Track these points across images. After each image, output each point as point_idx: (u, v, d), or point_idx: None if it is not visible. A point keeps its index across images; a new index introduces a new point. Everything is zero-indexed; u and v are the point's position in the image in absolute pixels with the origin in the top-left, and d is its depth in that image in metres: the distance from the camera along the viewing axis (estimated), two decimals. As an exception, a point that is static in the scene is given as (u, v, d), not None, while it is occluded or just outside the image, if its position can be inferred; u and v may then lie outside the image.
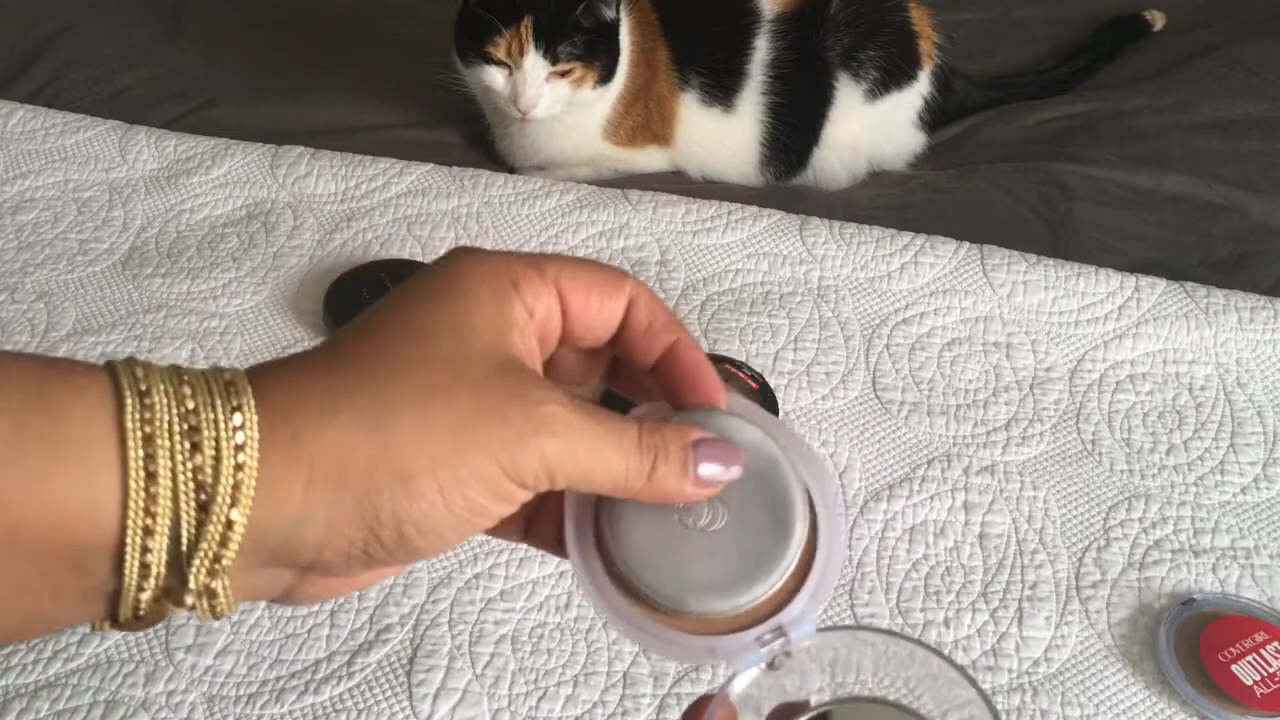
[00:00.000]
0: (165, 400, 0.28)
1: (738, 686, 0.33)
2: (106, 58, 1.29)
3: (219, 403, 0.28)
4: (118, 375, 0.28)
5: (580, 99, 1.05)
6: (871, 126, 1.13)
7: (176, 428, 0.28)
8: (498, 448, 0.29)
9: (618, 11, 1.05)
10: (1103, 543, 0.75)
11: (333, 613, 0.71)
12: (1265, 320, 0.87)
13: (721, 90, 1.11)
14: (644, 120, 1.12)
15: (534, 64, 1.01)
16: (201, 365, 0.85)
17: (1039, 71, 1.28)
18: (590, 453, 0.31)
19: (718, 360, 0.85)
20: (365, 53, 1.30)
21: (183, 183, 1.06)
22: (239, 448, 0.28)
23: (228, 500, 0.28)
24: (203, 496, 0.28)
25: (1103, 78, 1.27)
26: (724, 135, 1.12)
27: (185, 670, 0.68)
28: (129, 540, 0.27)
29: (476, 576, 0.73)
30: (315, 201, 1.04)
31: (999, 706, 0.66)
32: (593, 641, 0.70)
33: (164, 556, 0.28)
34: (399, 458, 0.29)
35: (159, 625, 0.70)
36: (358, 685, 0.68)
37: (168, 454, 0.27)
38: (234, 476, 0.28)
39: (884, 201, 1.09)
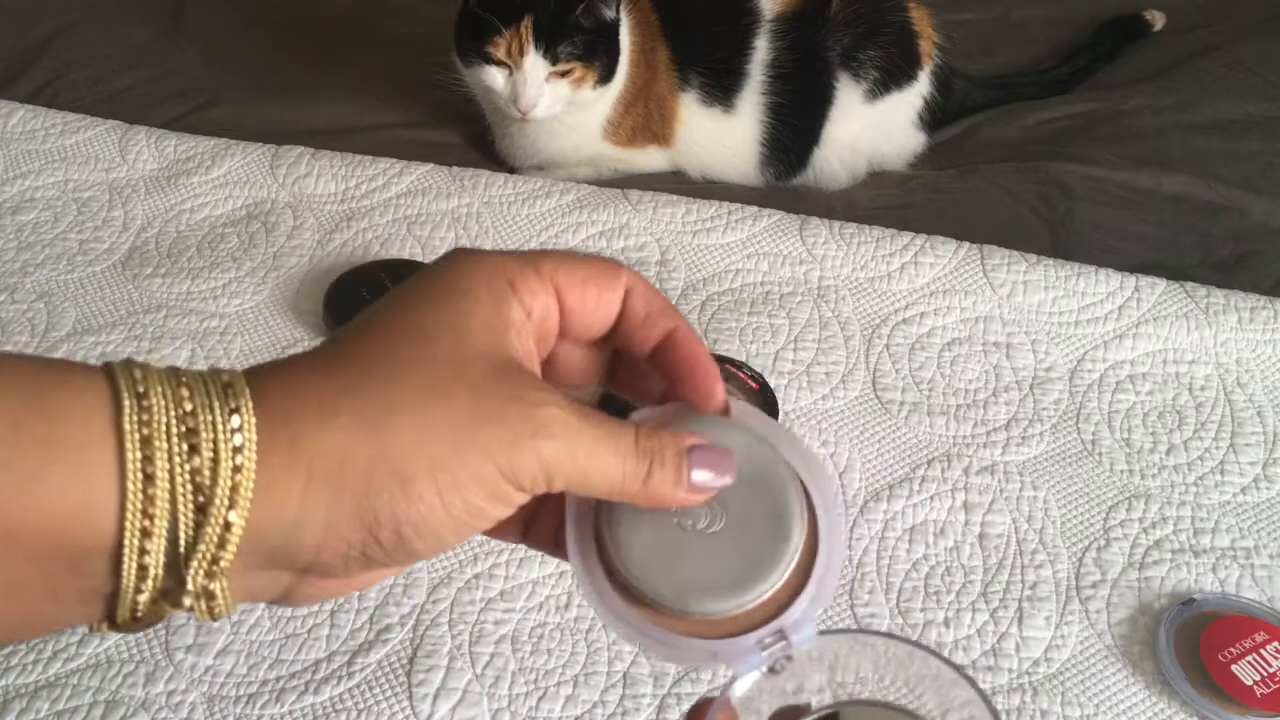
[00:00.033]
0: (163, 402, 0.28)
1: (739, 690, 0.33)
2: (106, 58, 1.29)
3: (217, 405, 0.28)
4: (115, 377, 0.28)
5: (580, 99, 1.05)
6: (871, 126, 1.13)
7: (174, 430, 0.28)
8: (496, 449, 0.29)
9: (618, 11, 1.05)
10: (1103, 543, 0.75)
11: (333, 613, 0.71)
12: (1265, 320, 0.87)
13: (721, 90, 1.11)
14: (644, 120, 1.12)
15: (534, 64, 1.01)
16: (201, 365, 0.85)
17: (1039, 71, 1.28)
18: (588, 456, 0.31)
19: (718, 360, 0.85)
20: (365, 53, 1.30)
21: (183, 183, 1.06)
22: (237, 449, 0.28)
23: (225, 502, 0.28)
24: (200, 498, 0.27)
25: (1103, 78, 1.27)
26: (724, 135, 1.12)
27: (185, 670, 0.68)
28: (126, 542, 0.27)
29: (476, 576, 0.73)
30: (315, 201, 1.04)
31: (999, 706, 0.66)
32: (593, 641, 0.70)
33: (161, 558, 0.28)
34: (398, 459, 0.29)
35: (159, 626, 0.70)
36: (358, 685, 0.68)
37: (165, 456, 0.27)
38: (232, 478, 0.28)
39: (884, 201, 1.09)
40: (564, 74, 1.03)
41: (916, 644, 0.33)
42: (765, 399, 0.82)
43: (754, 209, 1.00)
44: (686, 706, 0.66)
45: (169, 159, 1.09)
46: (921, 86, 1.14)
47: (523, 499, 0.31)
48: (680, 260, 0.96)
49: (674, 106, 1.12)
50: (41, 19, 1.35)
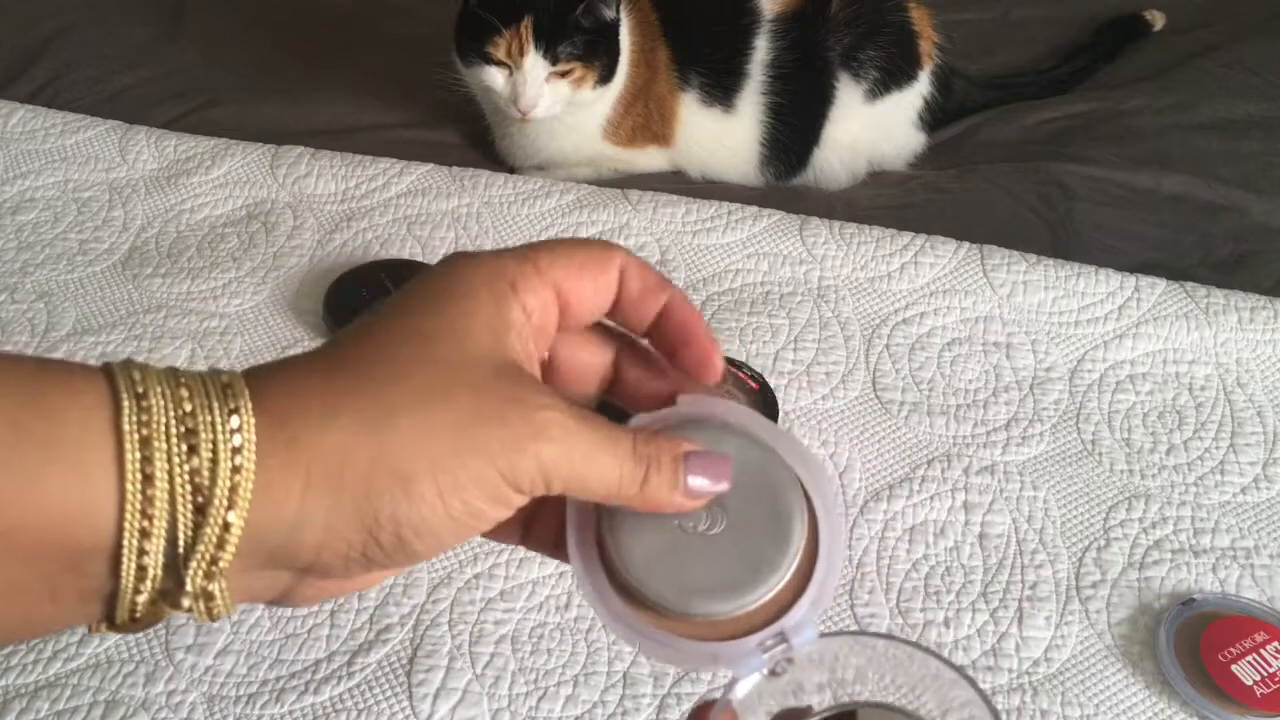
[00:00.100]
0: (162, 403, 0.28)
1: (739, 692, 0.33)
2: (106, 58, 1.29)
3: (216, 405, 0.28)
4: (115, 378, 0.28)
5: (580, 99, 1.05)
6: (872, 126, 1.13)
7: (173, 430, 0.28)
8: (496, 452, 0.29)
9: (618, 11, 1.05)
10: (1103, 543, 0.75)
11: (333, 613, 0.71)
12: (1265, 320, 0.87)
13: (721, 90, 1.11)
14: (644, 120, 1.12)
15: (534, 64, 1.01)
16: (201, 365, 0.85)
17: (1039, 71, 1.28)
18: (586, 460, 0.31)
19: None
20: (365, 53, 1.30)
21: (183, 183, 1.06)
22: (236, 450, 0.28)
23: (225, 502, 0.28)
24: (199, 499, 0.27)
25: (1103, 78, 1.27)
26: (724, 135, 1.13)
27: (185, 670, 0.68)
28: (125, 542, 0.27)
29: (476, 576, 0.73)
30: (315, 201, 1.04)
31: (999, 706, 0.66)
32: (593, 641, 0.70)
33: (160, 559, 0.28)
34: (399, 460, 0.29)
35: (159, 626, 0.70)
36: (358, 685, 0.68)
37: (164, 456, 0.27)
38: (231, 479, 0.28)
39: (884, 201, 1.09)
40: (564, 74, 1.03)
41: (916, 645, 0.33)
42: (765, 399, 0.82)
43: (754, 209, 1.00)
44: (686, 706, 0.66)
45: (169, 159, 1.09)
46: (921, 86, 1.14)
47: (521, 501, 0.31)
48: (680, 260, 0.96)
49: (674, 106, 1.12)
50: (41, 19, 1.35)
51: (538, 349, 0.34)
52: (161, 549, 0.28)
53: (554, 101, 1.03)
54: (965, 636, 0.70)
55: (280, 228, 1.01)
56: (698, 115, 1.12)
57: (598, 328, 0.36)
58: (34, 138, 1.11)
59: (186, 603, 0.28)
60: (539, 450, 0.30)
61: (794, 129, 1.11)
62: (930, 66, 1.14)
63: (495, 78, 1.03)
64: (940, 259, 0.94)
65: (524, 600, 0.72)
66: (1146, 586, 0.72)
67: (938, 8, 1.16)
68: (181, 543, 0.28)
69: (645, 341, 0.36)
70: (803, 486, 0.34)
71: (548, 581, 0.73)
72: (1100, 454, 0.80)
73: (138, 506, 0.27)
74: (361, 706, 0.67)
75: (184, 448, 0.27)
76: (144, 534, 0.27)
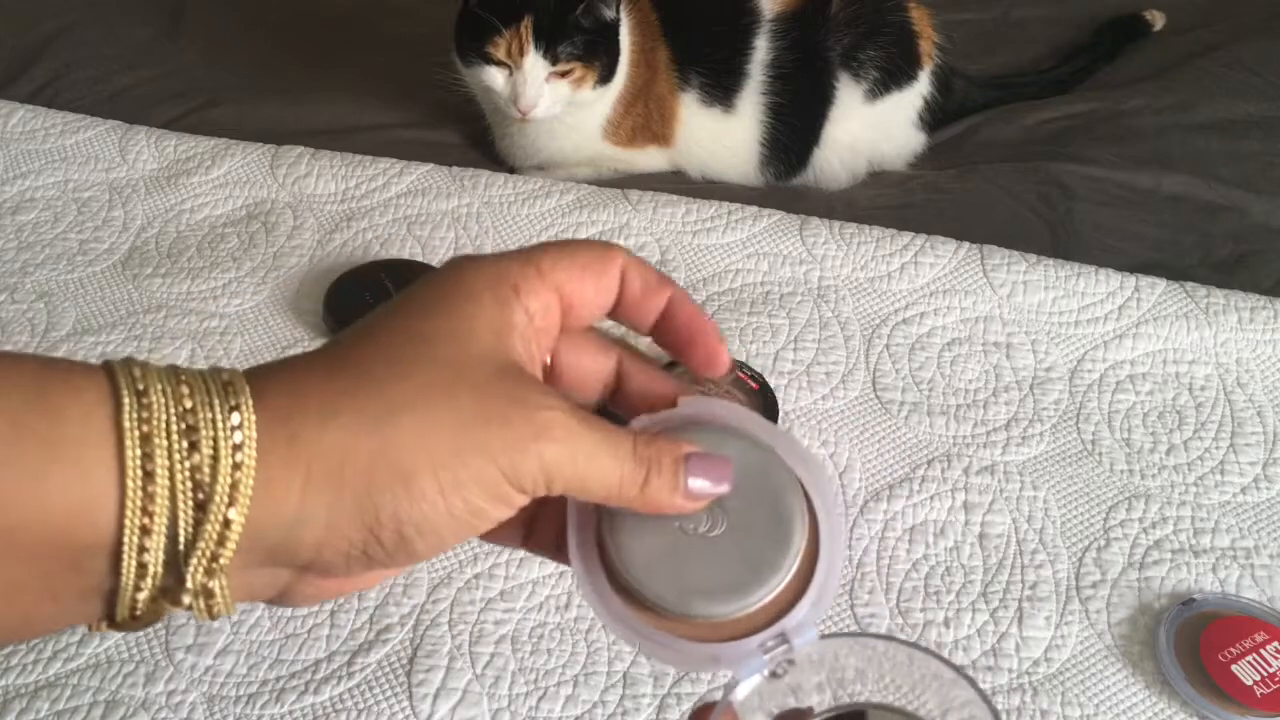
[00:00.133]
0: (163, 400, 0.28)
1: (740, 693, 0.33)
2: (106, 58, 1.29)
3: (217, 402, 0.28)
4: (115, 375, 0.28)
5: (580, 99, 1.05)
6: (872, 126, 1.13)
7: (174, 427, 0.28)
8: (498, 450, 0.30)
9: (618, 11, 1.05)
10: (1103, 543, 0.75)
11: (333, 613, 0.71)
12: (1265, 320, 0.87)
13: (721, 90, 1.11)
14: (644, 120, 1.12)
15: (534, 64, 1.01)
16: (201, 365, 0.85)
17: (1039, 71, 1.28)
18: (588, 460, 0.31)
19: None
20: (365, 53, 1.30)
21: (183, 183, 1.06)
22: (237, 447, 0.28)
23: (225, 499, 0.28)
24: (200, 496, 0.28)
25: (1103, 78, 1.27)
26: (724, 135, 1.13)
27: (185, 670, 0.68)
28: (126, 539, 0.27)
29: (476, 576, 0.73)
30: (315, 201, 1.04)
31: (999, 707, 0.66)
32: (593, 641, 0.70)
33: (161, 556, 0.28)
34: (400, 458, 0.29)
35: (159, 626, 0.70)
36: (358, 685, 0.68)
37: (165, 453, 0.27)
38: (231, 476, 0.28)
39: (884, 201, 1.09)
40: (564, 74, 1.03)
41: (917, 646, 0.33)
42: (765, 399, 0.82)
43: (754, 209, 1.00)
44: (686, 707, 0.66)
45: (169, 159, 1.09)
46: (921, 86, 1.14)
47: (523, 501, 0.31)
48: (680, 260, 0.96)
49: (674, 106, 1.12)
50: (41, 19, 1.35)
51: (540, 352, 0.34)
52: (162, 546, 0.28)
53: (554, 101, 1.03)
54: (965, 636, 0.70)
55: (280, 228, 1.01)
56: (698, 115, 1.12)
57: (600, 336, 0.36)
58: (34, 138, 1.11)
59: (187, 600, 0.28)
60: (541, 450, 0.30)
61: (794, 129, 1.11)
62: (930, 66, 1.14)
63: (495, 78, 1.03)
64: (940, 259, 0.94)
65: (524, 600, 0.72)
66: (1146, 586, 0.72)
67: (938, 8, 1.16)
68: (182, 539, 0.28)
69: (648, 341, 0.36)
70: (803, 488, 0.34)
71: (548, 581, 0.73)
72: (1100, 454, 0.80)
73: (138, 503, 0.27)
74: (361, 706, 0.67)
75: (185, 444, 0.28)
76: (144, 531, 0.27)
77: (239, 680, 0.68)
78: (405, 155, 1.08)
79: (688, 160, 1.15)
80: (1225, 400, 0.83)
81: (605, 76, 1.05)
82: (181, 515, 0.27)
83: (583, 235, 0.99)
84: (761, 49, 1.09)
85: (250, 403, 0.28)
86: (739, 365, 0.84)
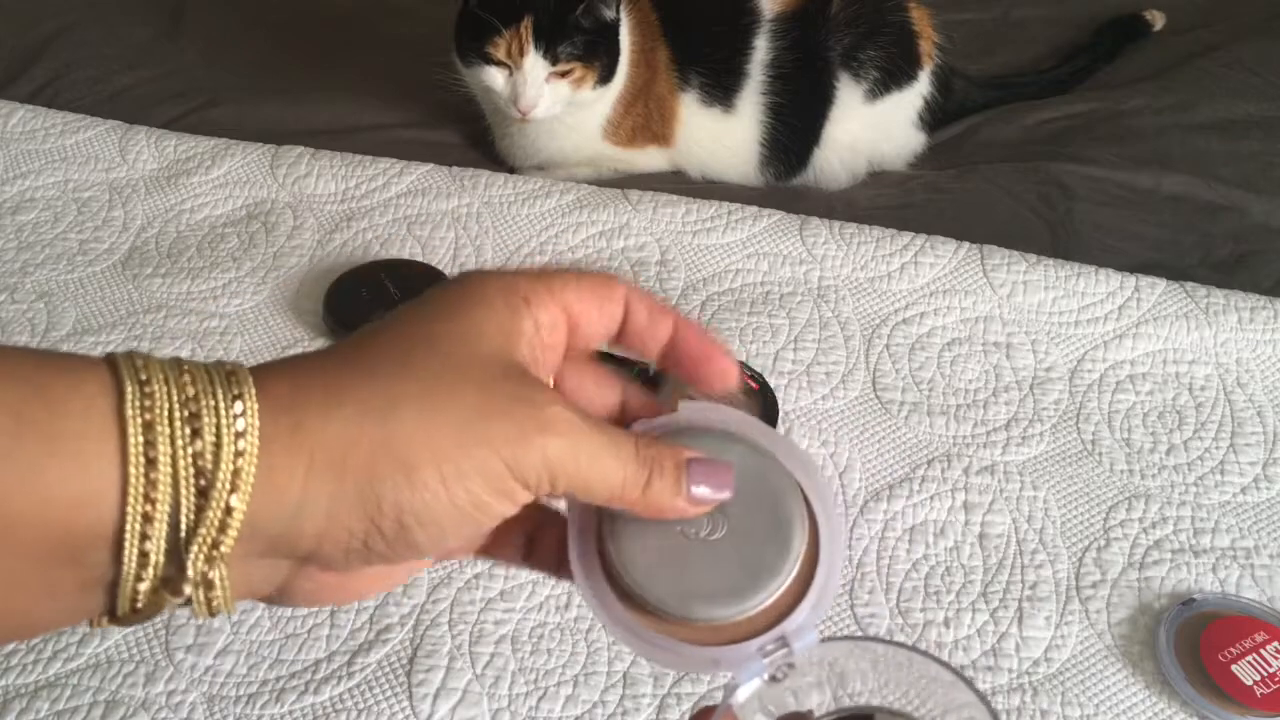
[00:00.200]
0: (165, 388, 0.28)
1: (740, 696, 0.33)
2: (106, 58, 1.29)
3: (220, 391, 0.28)
4: (118, 366, 0.28)
5: (580, 99, 1.05)
6: (872, 126, 1.13)
7: (177, 414, 0.28)
8: (502, 444, 0.30)
9: (618, 12, 1.05)
10: (1103, 543, 0.75)
11: (333, 613, 0.71)
12: (1265, 320, 0.87)
13: (721, 90, 1.11)
14: (644, 120, 1.12)
15: (534, 64, 1.01)
16: (201, 365, 0.85)
17: (1039, 71, 1.28)
18: (591, 459, 0.31)
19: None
20: (365, 53, 1.30)
21: (183, 183, 1.06)
22: (239, 434, 0.28)
23: (227, 486, 0.28)
24: (202, 482, 0.28)
25: (1103, 78, 1.26)
26: (724, 135, 1.12)
27: (185, 670, 0.68)
28: (128, 527, 0.27)
29: (476, 576, 0.73)
30: (315, 201, 1.04)
31: (999, 707, 0.66)
32: (593, 641, 0.70)
33: (163, 544, 0.28)
34: (403, 449, 0.29)
35: (159, 626, 0.70)
36: (358, 685, 0.68)
37: (168, 440, 0.27)
38: (234, 463, 0.28)
39: (884, 201, 1.09)
40: (564, 74, 1.03)
41: (916, 649, 0.33)
42: (765, 399, 0.82)
43: (754, 209, 1.00)
44: (686, 707, 0.66)
45: (169, 159, 1.09)
46: (921, 86, 1.14)
47: (526, 497, 0.31)
48: (680, 260, 0.96)
49: (674, 106, 1.12)
50: (41, 19, 1.35)
51: (547, 368, 0.34)
52: (164, 534, 0.28)
53: (554, 101, 1.03)
54: (965, 636, 0.70)
55: (280, 228, 1.01)
56: (698, 115, 1.12)
57: (605, 368, 0.37)
58: (34, 138, 1.11)
59: (187, 589, 0.28)
60: (545, 444, 0.30)
61: (794, 129, 1.11)
62: (930, 66, 1.14)
63: (495, 78, 1.03)
64: (940, 259, 0.94)
65: (524, 600, 0.72)
66: (1146, 586, 0.72)
67: (938, 8, 1.16)
68: (184, 527, 0.28)
69: (654, 367, 0.37)
70: (803, 492, 0.34)
71: (548, 581, 0.73)
72: (1100, 454, 0.80)
73: (140, 490, 0.27)
74: (361, 706, 0.67)
75: (187, 431, 0.28)
76: (146, 518, 0.27)
77: (239, 680, 0.68)
78: (405, 155, 1.08)
79: (688, 160, 1.15)
80: (1225, 400, 0.83)
81: (605, 77, 1.05)
82: (184, 502, 0.28)
83: (582, 235, 0.99)
84: (761, 49, 1.09)
85: (253, 392, 0.29)
86: (739, 365, 0.84)
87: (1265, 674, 0.66)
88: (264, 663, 0.69)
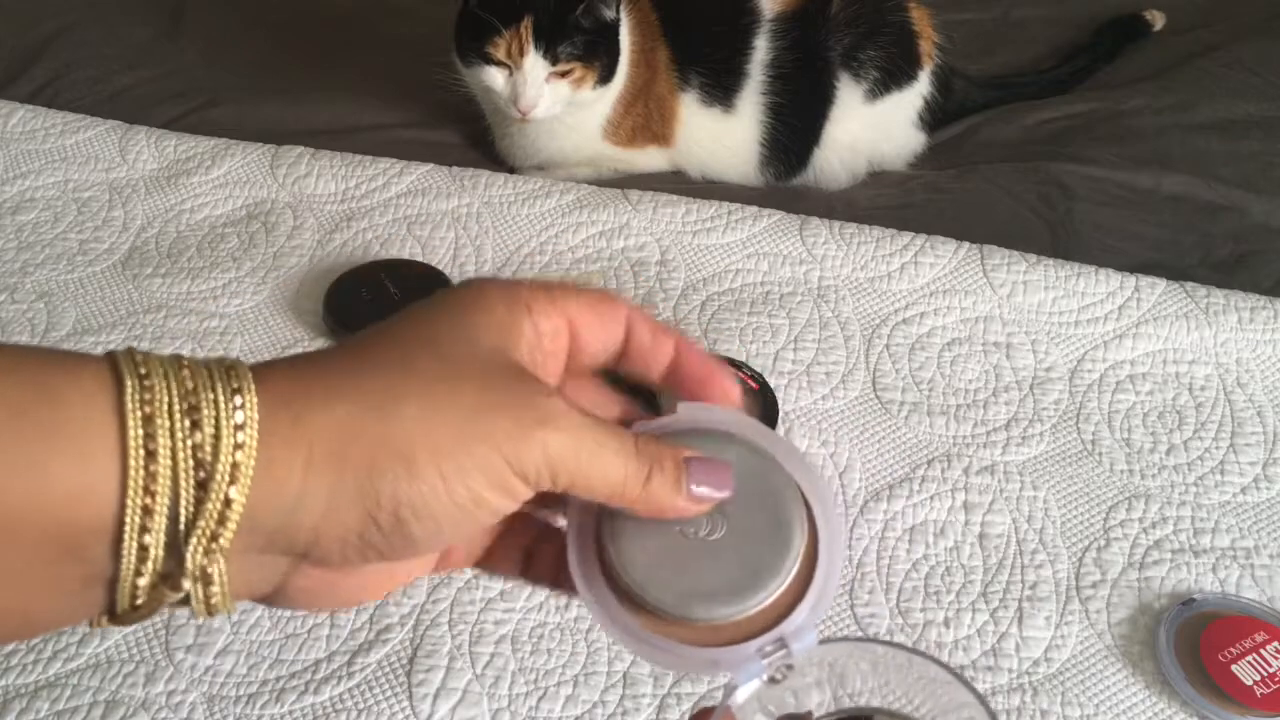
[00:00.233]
0: (165, 383, 0.28)
1: (739, 698, 0.33)
2: (106, 58, 1.29)
3: (219, 384, 0.28)
4: (117, 362, 0.28)
5: (580, 99, 1.05)
6: (872, 126, 1.13)
7: (176, 406, 0.28)
8: (502, 439, 0.30)
9: (618, 12, 1.05)
10: (1103, 543, 0.75)
11: (333, 612, 0.71)
12: (1265, 320, 0.87)
13: (721, 90, 1.11)
14: (644, 120, 1.12)
15: (534, 64, 1.01)
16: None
17: (1039, 71, 1.28)
18: (591, 455, 0.31)
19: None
20: (365, 53, 1.30)
21: (183, 183, 1.06)
22: (239, 426, 0.28)
23: (227, 477, 0.28)
24: (202, 474, 0.28)
25: (1103, 78, 1.27)
26: (724, 135, 1.12)
27: (185, 670, 0.68)
28: (128, 520, 0.27)
29: (476, 576, 0.73)
30: (315, 201, 1.04)
31: (999, 707, 0.66)
32: (593, 641, 0.70)
33: (162, 538, 0.28)
34: (403, 444, 0.29)
35: (159, 626, 0.70)
36: (358, 685, 0.68)
37: (168, 433, 0.27)
38: (233, 455, 0.28)
39: (884, 201, 1.09)
40: (564, 74, 1.03)
41: (916, 650, 0.33)
42: (765, 399, 0.82)
43: (754, 209, 1.00)
44: (686, 707, 0.66)
45: (169, 159, 1.09)
46: (921, 86, 1.14)
47: (525, 493, 0.31)
48: (680, 260, 0.96)
49: (674, 106, 1.12)
50: (41, 19, 1.35)
51: (548, 377, 0.34)
52: (164, 528, 0.28)
53: (554, 102, 1.03)
54: (965, 637, 0.70)
55: (280, 228, 1.01)
56: (698, 115, 1.12)
57: (606, 387, 0.37)
58: (34, 138, 1.11)
59: (186, 585, 0.28)
60: (545, 438, 0.30)
61: (794, 129, 1.11)
62: (930, 66, 1.14)
63: (495, 78, 1.03)
64: (940, 259, 0.94)
65: (524, 600, 0.72)
66: (1146, 586, 0.72)
67: (938, 8, 1.16)
68: (183, 519, 0.28)
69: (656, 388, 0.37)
70: (802, 493, 0.34)
71: (548, 581, 0.73)
72: (1100, 454, 0.80)
73: (140, 483, 0.27)
74: (361, 706, 0.67)
75: (187, 424, 0.28)
76: (146, 511, 0.27)
77: (239, 680, 0.68)
78: (405, 155, 1.08)
79: (688, 160, 1.15)
80: (1225, 400, 0.83)
81: (605, 77, 1.05)
82: (183, 495, 0.28)
83: (582, 235, 0.99)
84: (761, 49, 1.09)
85: (252, 385, 0.29)
86: (739, 365, 0.84)
87: (1265, 674, 0.66)
88: (264, 663, 0.69)
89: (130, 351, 0.29)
